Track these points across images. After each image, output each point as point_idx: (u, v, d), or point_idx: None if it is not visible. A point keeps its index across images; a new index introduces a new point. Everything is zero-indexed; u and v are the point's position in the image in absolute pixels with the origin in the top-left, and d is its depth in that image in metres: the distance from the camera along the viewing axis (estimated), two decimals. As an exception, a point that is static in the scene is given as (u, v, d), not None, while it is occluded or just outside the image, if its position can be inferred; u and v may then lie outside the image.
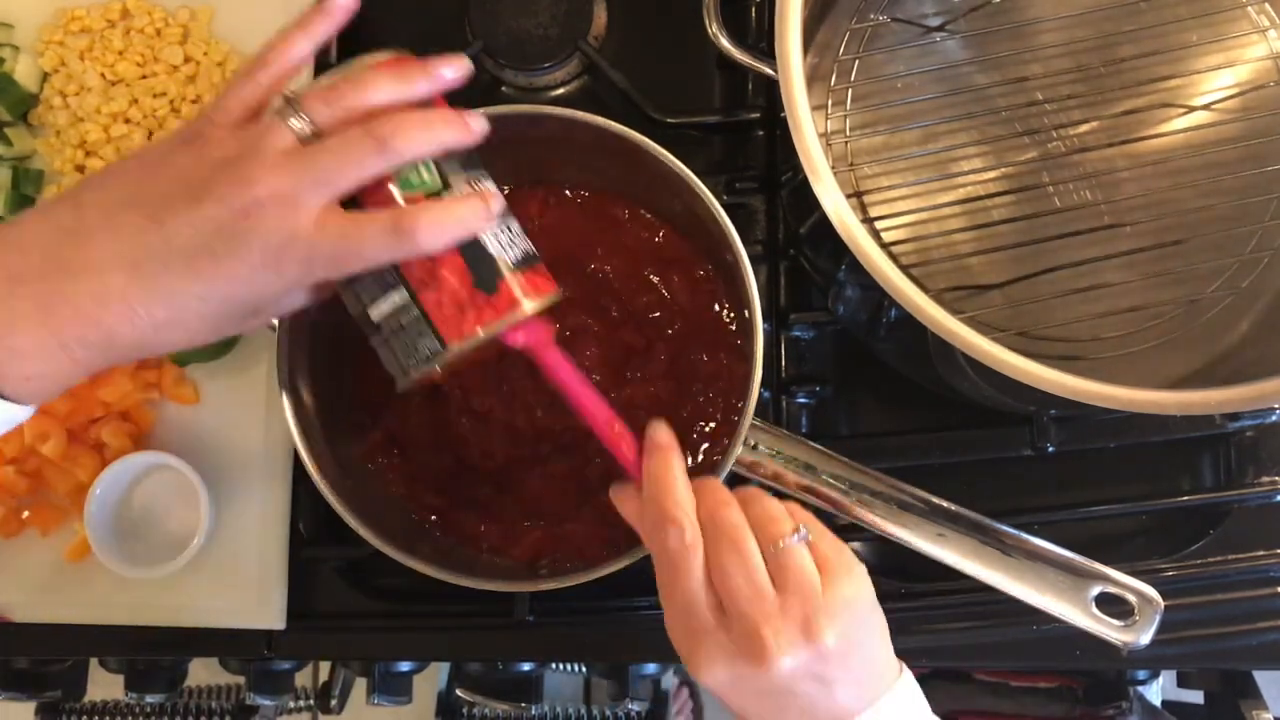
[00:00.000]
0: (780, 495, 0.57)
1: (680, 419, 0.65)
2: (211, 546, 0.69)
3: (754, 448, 0.57)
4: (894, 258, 0.65)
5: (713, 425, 0.65)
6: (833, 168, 0.55)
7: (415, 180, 0.48)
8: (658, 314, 0.66)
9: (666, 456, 0.52)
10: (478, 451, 0.66)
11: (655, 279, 0.67)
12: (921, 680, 0.53)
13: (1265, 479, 0.69)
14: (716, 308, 0.66)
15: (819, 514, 0.56)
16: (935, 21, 0.68)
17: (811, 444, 0.58)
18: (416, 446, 0.67)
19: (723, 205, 0.72)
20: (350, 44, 0.78)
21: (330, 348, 0.67)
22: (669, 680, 1.22)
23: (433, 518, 0.66)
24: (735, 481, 0.57)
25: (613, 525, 0.64)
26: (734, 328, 0.66)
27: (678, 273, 0.66)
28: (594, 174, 0.67)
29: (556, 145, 0.64)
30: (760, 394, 0.71)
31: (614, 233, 0.67)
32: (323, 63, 0.76)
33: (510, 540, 0.65)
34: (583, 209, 0.68)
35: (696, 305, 0.66)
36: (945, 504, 0.58)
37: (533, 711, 0.81)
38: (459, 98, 0.75)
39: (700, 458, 0.64)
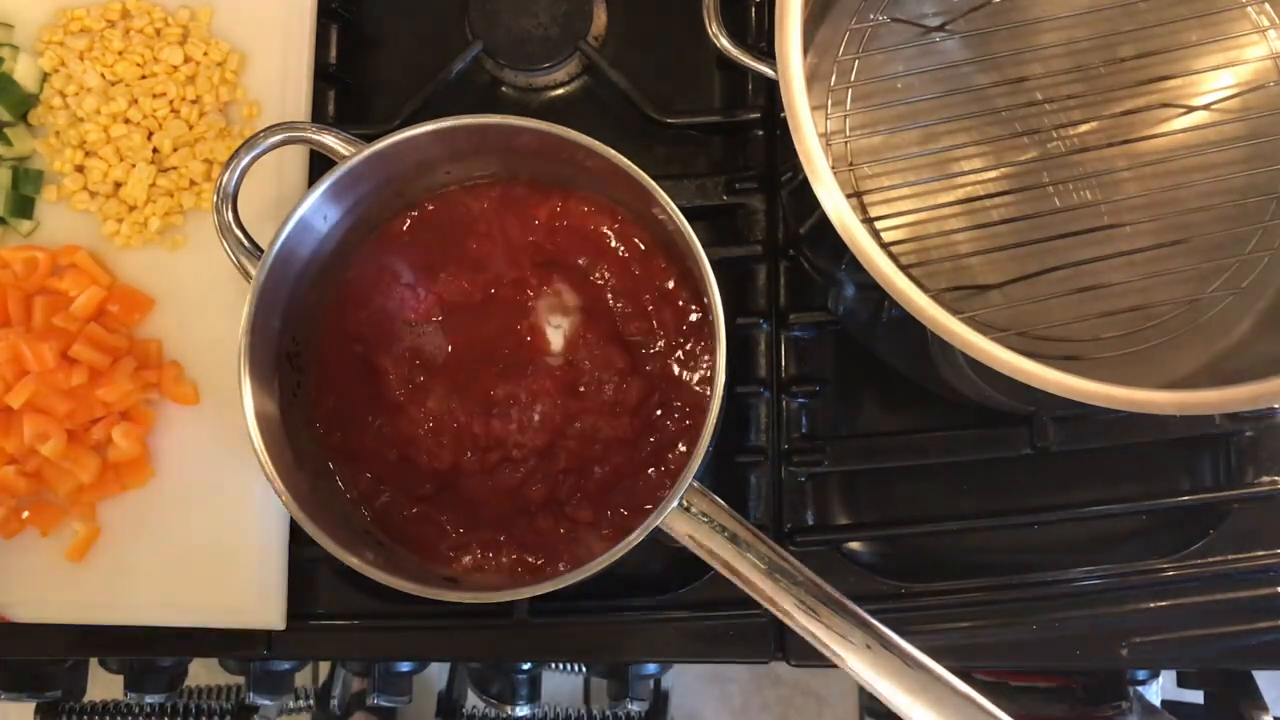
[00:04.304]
0: (699, 561, 0.57)
1: (636, 459, 0.64)
2: (212, 546, 0.69)
3: (687, 509, 0.57)
4: (894, 258, 0.65)
5: (659, 471, 0.64)
6: (833, 168, 0.55)
7: None
8: (644, 350, 0.66)
9: None
10: (425, 447, 0.65)
11: (653, 310, 0.66)
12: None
13: (1265, 479, 0.69)
14: (699, 373, 0.65)
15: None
16: (935, 21, 0.68)
17: (743, 521, 0.57)
18: (360, 426, 0.66)
19: (722, 205, 0.73)
20: (352, 43, 0.79)
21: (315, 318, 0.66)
22: (669, 680, 1.22)
23: (363, 505, 0.66)
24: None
25: (539, 550, 0.64)
26: (704, 401, 0.64)
27: (670, 312, 0.66)
28: (595, 189, 0.66)
29: (548, 155, 0.64)
30: (760, 394, 0.71)
31: (618, 253, 0.67)
32: (324, 67, 0.76)
33: (438, 543, 0.65)
34: (595, 222, 0.67)
35: (677, 360, 0.65)
36: (861, 612, 0.55)
37: (532, 711, 0.81)
38: (459, 99, 0.76)
39: (637, 503, 0.64)
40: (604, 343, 0.65)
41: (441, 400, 0.66)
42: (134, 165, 0.72)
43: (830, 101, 0.68)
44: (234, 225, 0.62)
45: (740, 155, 0.75)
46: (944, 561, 0.71)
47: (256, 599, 0.69)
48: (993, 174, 0.67)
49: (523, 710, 0.80)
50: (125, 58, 0.73)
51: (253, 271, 0.60)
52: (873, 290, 0.54)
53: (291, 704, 0.86)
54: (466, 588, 0.62)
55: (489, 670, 0.81)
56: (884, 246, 0.65)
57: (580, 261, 0.66)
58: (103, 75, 0.73)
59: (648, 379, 0.65)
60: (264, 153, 0.62)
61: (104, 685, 0.83)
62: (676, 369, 0.65)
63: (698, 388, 0.65)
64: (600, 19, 0.77)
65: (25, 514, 0.70)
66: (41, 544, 0.70)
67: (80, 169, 0.73)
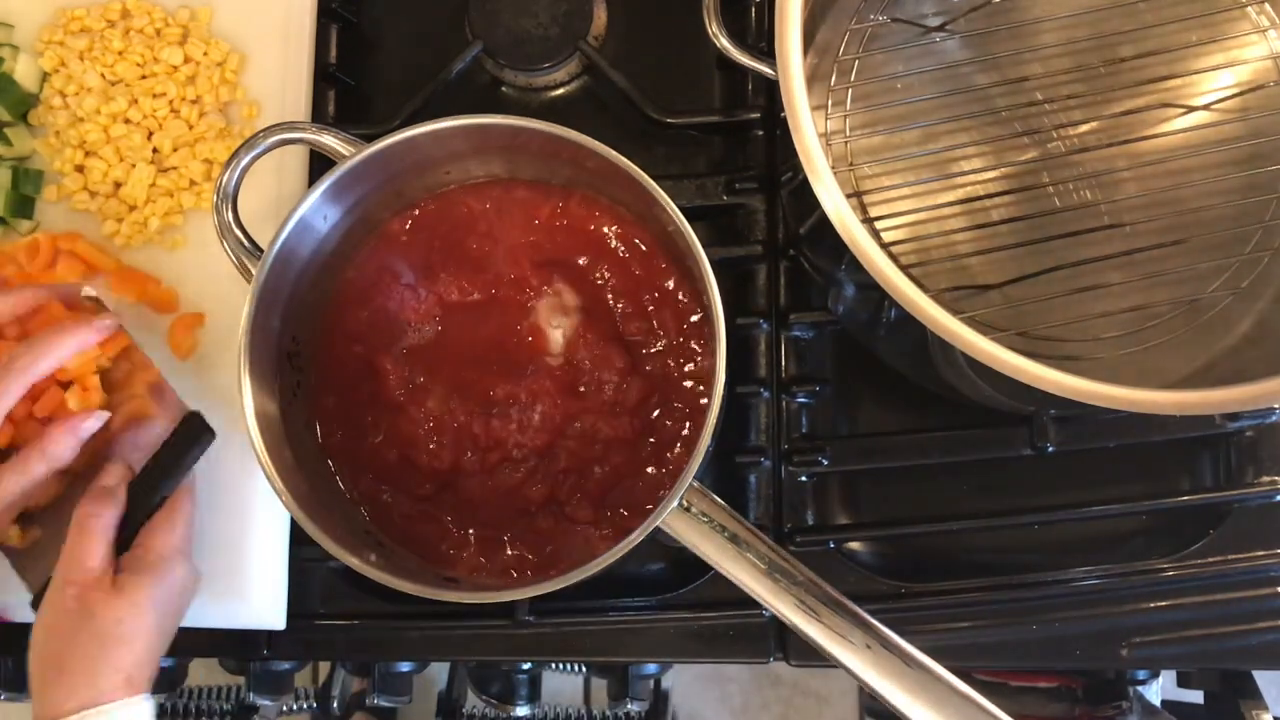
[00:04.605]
0: (699, 561, 0.57)
1: (636, 459, 0.64)
2: (212, 546, 0.69)
3: (687, 509, 0.57)
4: (894, 258, 0.65)
5: (659, 471, 0.64)
6: (833, 168, 0.55)
7: None
8: (644, 350, 0.65)
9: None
10: (425, 447, 0.65)
11: (654, 310, 0.66)
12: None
13: (1265, 479, 0.69)
14: (699, 374, 0.65)
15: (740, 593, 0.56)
16: (935, 21, 0.68)
17: (743, 521, 0.57)
18: (360, 426, 0.66)
19: (722, 205, 0.73)
20: (352, 43, 0.79)
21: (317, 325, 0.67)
22: (669, 680, 1.22)
23: (364, 505, 0.66)
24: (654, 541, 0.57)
25: (539, 550, 0.64)
26: (703, 401, 0.64)
27: (670, 312, 0.66)
28: (595, 189, 0.66)
29: (548, 155, 0.64)
30: (760, 394, 0.71)
31: (618, 253, 0.67)
32: (324, 67, 0.76)
33: (438, 543, 0.65)
34: (595, 222, 0.67)
35: (676, 360, 0.65)
36: (861, 612, 0.55)
37: (532, 711, 0.81)
38: (459, 99, 0.76)
39: (637, 503, 0.64)
40: (604, 343, 0.65)
41: (441, 400, 0.66)
42: (134, 165, 0.72)
43: (830, 101, 0.68)
44: (234, 225, 0.62)
45: (740, 155, 0.75)
46: (944, 561, 0.72)
47: (256, 599, 0.69)
48: (993, 174, 0.67)
49: (523, 710, 0.80)
50: (125, 58, 0.73)
51: (253, 271, 0.60)
52: (873, 290, 0.54)
53: (291, 704, 0.86)
54: (466, 588, 0.62)
55: (489, 670, 0.81)
56: (884, 246, 0.65)
57: (581, 261, 0.66)
58: (103, 75, 0.73)
59: (648, 379, 0.65)
60: (264, 153, 0.62)
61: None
62: (676, 369, 0.65)
63: (698, 388, 0.65)
64: (600, 19, 0.77)
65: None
66: (41, 544, 0.70)
67: (80, 169, 0.73)
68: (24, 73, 0.74)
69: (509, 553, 0.64)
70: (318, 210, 0.62)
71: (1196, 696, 0.76)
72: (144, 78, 0.74)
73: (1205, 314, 0.66)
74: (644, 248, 0.66)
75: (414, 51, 0.79)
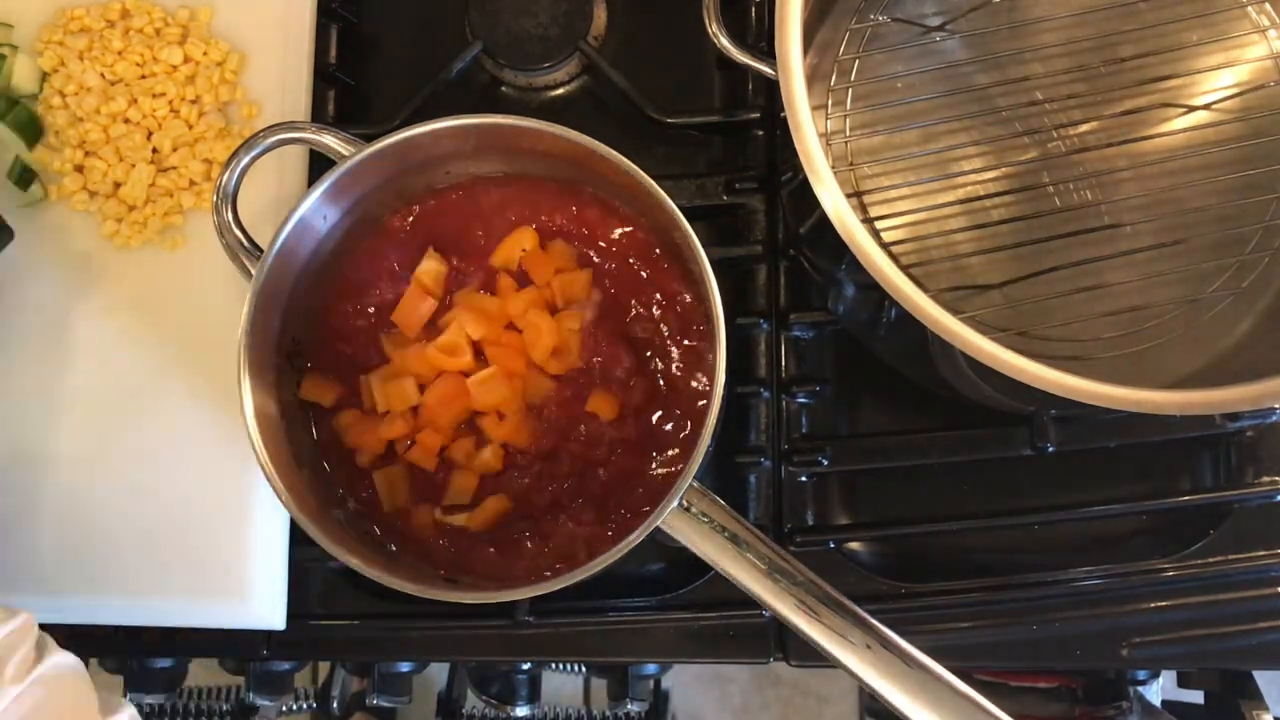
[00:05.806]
0: (699, 561, 0.57)
1: (637, 460, 0.64)
2: (212, 547, 0.69)
3: (687, 509, 0.57)
4: (894, 258, 0.65)
5: (659, 472, 0.64)
6: (833, 168, 0.55)
7: None
8: (647, 350, 0.65)
9: None
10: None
11: (656, 311, 0.66)
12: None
13: (1265, 479, 0.69)
14: (700, 373, 0.65)
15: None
16: (935, 21, 0.68)
17: (743, 521, 0.57)
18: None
19: (722, 205, 0.73)
20: (352, 43, 0.79)
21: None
22: (669, 680, 1.22)
23: (364, 506, 0.66)
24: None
25: (540, 550, 0.64)
26: (703, 402, 0.64)
27: (673, 315, 0.66)
28: (597, 188, 0.66)
29: (550, 155, 0.64)
30: (760, 394, 0.71)
31: (623, 253, 0.67)
32: (324, 67, 0.76)
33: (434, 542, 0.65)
34: (597, 222, 0.66)
35: (678, 360, 0.65)
36: (861, 612, 0.55)
37: (532, 712, 0.81)
38: (459, 99, 0.76)
39: (639, 503, 0.64)
40: (612, 342, 0.65)
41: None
42: (134, 165, 0.72)
43: (830, 101, 0.68)
44: (234, 225, 0.62)
45: (740, 155, 0.75)
46: (944, 561, 0.72)
47: (256, 599, 0.69)
48: (993, 174, 0.67)
49: (523, 710, 0.80)
50: (125, 57, 0.73)
51: (253, 271, 0.60)
52: (873, 290, 0.54)
53: (291, 704, 0.86)
54: (466, 588, 0.62)
55: (489, 670, 0.81)
56: (884, 246, 0.65)
57: (585, 260, 0.66)
58: (102, 75, 0.73)
59: (651, 379, 0.65)
60: (264, 153, 0.62)
61: (103, 685, 0.83)
62: (678, 369, 0.65)
63: (698, 388, 0.65)
64: (600, 19, 0.77)
65: (25, 514, 0.69)
66: (39, 540, 0.70)
67: (80, 169, 0.73)
68: (24, 72, 0.74)
69: (511, 553, 0.64)
70: (318, 210, 0.62)
71: (1196, 696, 0.76)
72: (144, 77, 0.74)
73: (1205, 314, 0.66)
74: (647, 248, 0.66)
75: (414, 51, 0.79)
